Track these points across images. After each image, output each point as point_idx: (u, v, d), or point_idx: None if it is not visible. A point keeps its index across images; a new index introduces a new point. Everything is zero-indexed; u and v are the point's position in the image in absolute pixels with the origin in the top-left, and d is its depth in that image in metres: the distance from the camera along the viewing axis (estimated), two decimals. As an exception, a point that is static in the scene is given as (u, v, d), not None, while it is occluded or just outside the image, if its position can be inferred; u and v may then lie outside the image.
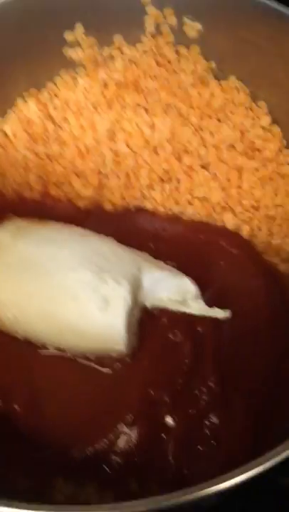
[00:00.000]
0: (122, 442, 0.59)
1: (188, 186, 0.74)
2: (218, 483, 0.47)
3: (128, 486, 0.59)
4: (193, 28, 0.75)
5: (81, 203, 0.75)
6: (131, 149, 0.75)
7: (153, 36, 0.77)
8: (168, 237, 0.72)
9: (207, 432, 0.60)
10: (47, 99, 0.79)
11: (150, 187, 0.75)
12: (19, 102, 0.79)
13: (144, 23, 0.76)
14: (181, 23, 0.75)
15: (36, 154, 0.77)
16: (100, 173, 0.75)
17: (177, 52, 0.77)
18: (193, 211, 0.74)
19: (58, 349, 0.65)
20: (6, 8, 0.73)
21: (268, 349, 0.64)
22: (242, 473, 0.47)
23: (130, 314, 0.61)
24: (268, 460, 0.48)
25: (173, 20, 0.75)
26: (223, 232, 0.73)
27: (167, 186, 0.74)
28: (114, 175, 0.75)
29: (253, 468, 0.47)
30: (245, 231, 0.73)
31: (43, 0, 0.73)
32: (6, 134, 0.78)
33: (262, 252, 0.73)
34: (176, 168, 0.74)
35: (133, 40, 0.78)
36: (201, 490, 0.47)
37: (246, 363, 0.63)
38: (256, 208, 0.74)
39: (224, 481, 0.47)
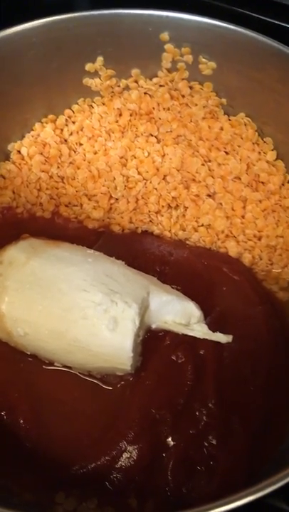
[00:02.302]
0: (123, 459, 0.61)
1: (195, 214, 0.77)
2: (215, 508, 0.49)
3: (128, 502, 0.60)
4: (208, 66, 0.79)
5: (91, 225, 0.78)
6: (141, 176, 0.78)
7: (169, 71, 0.81)
8: (173, 261, 0.74)
9: (206, 452, 0.62)
10: (63, 125, 0.82)
11: (158, 212, 0.78)
12: (37, 126, 0.82)
13: (161, 59, 0.80)
14: (196, 61, 0.79)
15: (50, 176, 0.79)
16: (110, 196, 0.78)
17: (191, 87, 0.81)
18: (198, 237, 0.77)
19: (65, 366, 0.67)
20: (29, 34, 0.76)
21: (266, 373, 0.66)
22: (239, 499, 0.49)
23: (137, 335, 0.63)
24: (264, 488, 0.50)
25: (189, 58, 0.79)
26: (226, 259, 0.76)
27: (174, 213, 0.78)
28: (124, 199, 0.78)
29: (250, 495, 0.49)
30: (247, 259, 0.76)
31: (66, 30, 0.77)
32: (22, 156, 0.80)
33: (262, 279, 0.76)
34: (184, 196, 0.77)
35: (150, 75, 0.81)
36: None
37: (245, 386, 0.65)
38: (258, 238, 0.77)
39: (221, 505, 0.49)
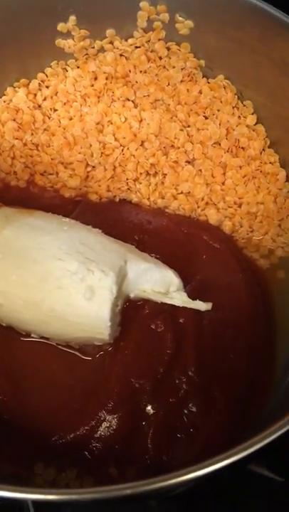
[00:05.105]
0: (102, 429, 0.61)
1: (174, 181, 0.75)
2: (194, 471, 0.48)
3: (108, 471, 0.60)
4: (185, 25, 0.75)
5: (67, 194, 0.76)
6: (118, 142, 0.76)
7: (145, 32, 0.77)
8: (152, 229, 0.73)
9: (186, 420, 0.61)
10: (37, 89, 0.78)
11: (136, 180, 0.76)
12: (9, 90, 0.78)
13: (137, 18, 0.76)
14: (173, 20, 0.76)
15: (24, 143, 0.77)
16: (87, 164, 0.76)
17: (168, 48, 0.78)
18: (178, 205, 0.75)
19: (42, 337, 0.65)
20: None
21: (246, 341, 0.66)
22: (217, 462, 0.49)
23: (114, 304, 0.62)
24: (243, 450, 0.49)
25: (166, 16, 0.75)
26: (206, 226, 0.75)
27: (153, 180, 0.76)
28: (101, 167, 0.76)
29: (228, 458, 0.49)
30: (227, 226, 0.75)
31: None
32: (-6, 123, 0.77)
33: (242, 247, 0.75)
34: (163, 163, 0.75)
35: (125, 35, 0.78)
36: (178, 477, 0.49)
37: (225, 354, 0.65)
38: (239, 205, 0.75)
39: (201, 468, 0.48)
